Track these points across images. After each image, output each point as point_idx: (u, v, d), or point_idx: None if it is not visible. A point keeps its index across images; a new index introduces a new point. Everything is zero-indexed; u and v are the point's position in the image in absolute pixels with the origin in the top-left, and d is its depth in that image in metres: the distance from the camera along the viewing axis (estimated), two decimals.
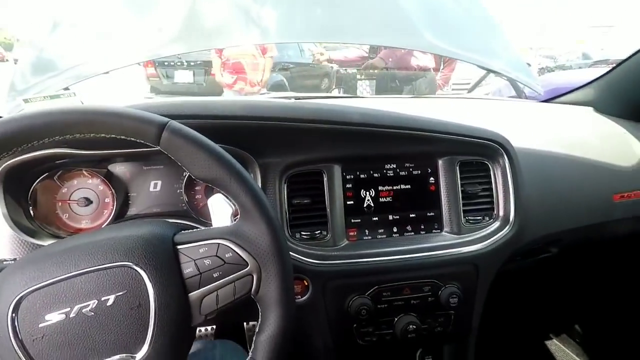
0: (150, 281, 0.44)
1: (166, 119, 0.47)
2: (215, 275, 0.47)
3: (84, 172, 0.73)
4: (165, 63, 4.98)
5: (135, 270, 0.44)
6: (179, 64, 4.92)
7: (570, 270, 1.19)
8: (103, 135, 0.46)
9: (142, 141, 0.47)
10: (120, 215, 0.76)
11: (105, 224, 0.73)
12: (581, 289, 1.26)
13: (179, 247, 0.48)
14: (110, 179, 0.74)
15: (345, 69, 2.60)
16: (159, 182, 0.77)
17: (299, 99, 1.20)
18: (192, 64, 4.89)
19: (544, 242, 0.94)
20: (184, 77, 4.98)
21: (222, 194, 0.50)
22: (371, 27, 1.61)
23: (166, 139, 0.46)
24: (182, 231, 0.51)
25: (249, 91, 3.26)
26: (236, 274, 0.47)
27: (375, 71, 2.28)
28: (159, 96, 5.17)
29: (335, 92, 2.88)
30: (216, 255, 0.47)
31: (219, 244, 0.48)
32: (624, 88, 1.15)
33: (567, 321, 1.37)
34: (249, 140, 0.68)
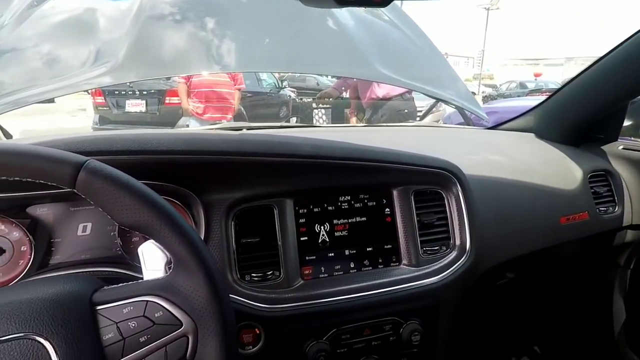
0: (58, 356, 0.36)
1: (83, 158, 0.41)
2: (142, 339, 0.40)
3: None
4: (116, 92, 4.79)
5: (39, 342, 0.37)
6: (130, 92, 4.75)
7: (528, 292, 1.21)
8: (5, 178, 0.39)
9: (55, 184, 0.40)
10: (43, 265, 0.66)
11: (21, 276, 0.63)
12: (539, 310, 1.28)
13: (98, 308, 0.41)
14: (30, 224, 0.64)
15: (301, 98, 2.62)
16: (89, 225, 0.69)
17: (251, 128, 1.16)
18: (144, 92, 4.74)
19: (500, 269, 0.94)
20: (135, 106, 4.80)
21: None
22: (325, 58, 1.65)
23: (83, 181, 0.40)
24: (104, 287, 0.43)
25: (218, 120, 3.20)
26: (168, 337, 0.41)
27: (331, 100, 2.31)
28: (109, 126, 4.93)
29: (293, 121, 2.89)
30: (144, 316, 0.41)
31: (147, 301, 0.41)
32: (558, 116, 1.23)
33: (527, 343, 1.38)
34: (189, 176, 0.62)
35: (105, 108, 4.90)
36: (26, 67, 1.37)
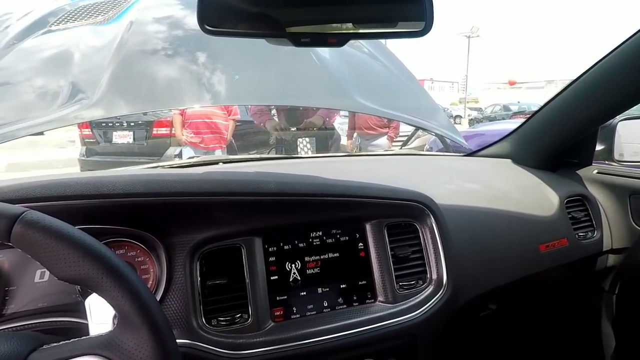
0: None
1: (19, 210, 0.39)
2: None
3: None
4: (103, 124, 4.78)
5: None
6: (117, 124, 4.74)
7: (513, 323, 1.18)
8: None
9: None
10: None
11: None
12: (526, 340, 1.25)
13: None
14: None
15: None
16: (47, 271, 0.66)
17: (228, 162, 1.16)
18: (131, 124, 4.73)
19: (481, 301, 0.92)
20: (123, 137, 4.79)
21: None
22: (307, 91, 1.67)
23: (18, 235, 0.38)
24: (43, 347, 0.41)
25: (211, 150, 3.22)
26: None
27: (315, 129, 2.33)
28: (95, 158, 4.90)
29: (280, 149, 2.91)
30: None
31: None
32: (533, 141, 1.25)
33: None
34: (148, 219, 0.60)
35: (92, 140, 4.88)
36: (15, 100, 1.36)
